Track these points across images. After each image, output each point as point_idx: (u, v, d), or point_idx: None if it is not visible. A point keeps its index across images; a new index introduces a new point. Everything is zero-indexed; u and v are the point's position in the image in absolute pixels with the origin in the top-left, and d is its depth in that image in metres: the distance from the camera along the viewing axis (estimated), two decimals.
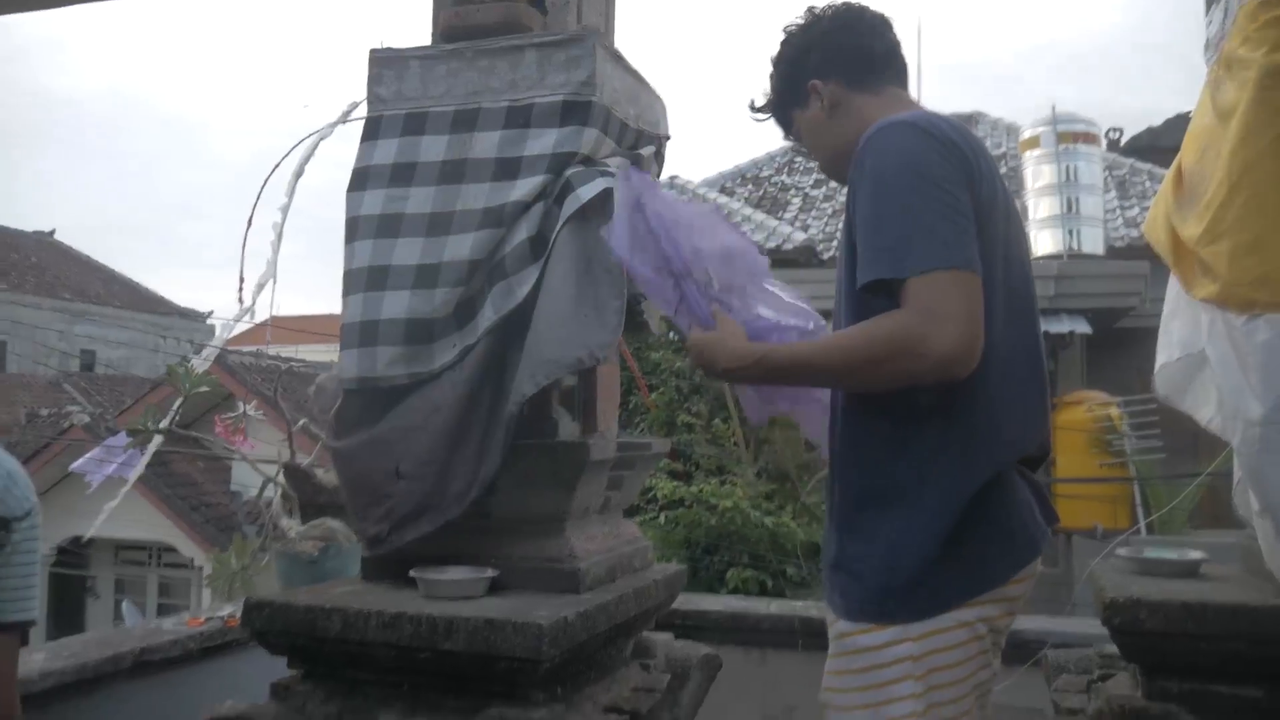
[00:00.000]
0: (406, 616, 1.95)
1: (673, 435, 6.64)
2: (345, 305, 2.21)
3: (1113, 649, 2.40)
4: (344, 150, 2.45)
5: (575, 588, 2.12)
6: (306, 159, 4.72)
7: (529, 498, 2.19)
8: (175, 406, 3.08)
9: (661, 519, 5.93)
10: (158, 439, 3.48)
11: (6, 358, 23.06)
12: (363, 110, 2.40)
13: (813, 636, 3.21)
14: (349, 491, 2.18)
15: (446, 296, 2.11)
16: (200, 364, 3.53)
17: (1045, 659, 2.61)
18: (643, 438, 4.73)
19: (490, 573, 2.11)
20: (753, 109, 1.95)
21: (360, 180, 2.27)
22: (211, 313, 25.43)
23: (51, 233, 26.72)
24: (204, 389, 3.12)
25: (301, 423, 3.48)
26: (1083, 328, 8.48)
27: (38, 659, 2.37)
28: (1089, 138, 9.65)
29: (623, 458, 2.39)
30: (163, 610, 16.14)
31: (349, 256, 2.23)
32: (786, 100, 1.89)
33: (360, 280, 2.18)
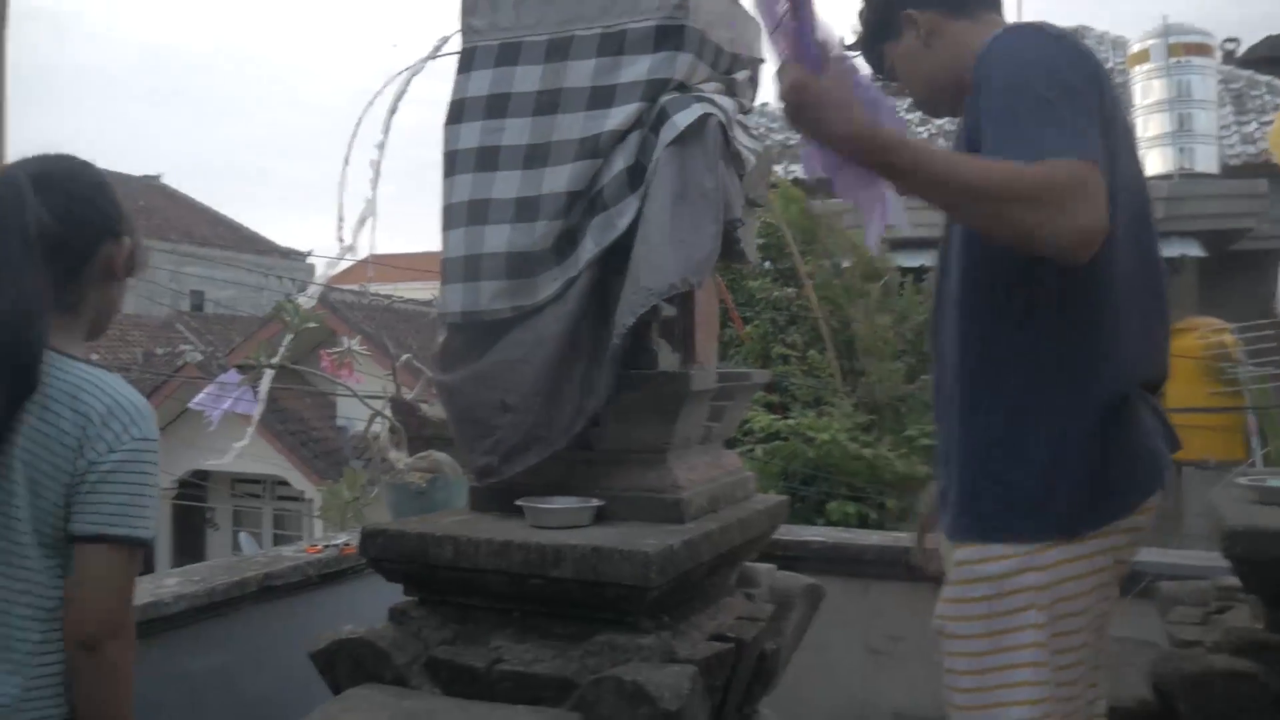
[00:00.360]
0: (515, 545, 1.99)
1: (768, 368, 6.61)
2: (446, 240, 2.23)
3: (1231, 581, 2.34)
4: (433, 89, 2.46)
5: (679, 518, 2.14)
6: (399, 95, 4.75)
7: (631, 429, 2.21)
8: (285, 343, 3.16)
9: (758, 452, 5.93)
10: (269, 374, 3.59)
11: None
12: (453, 45, 2.40)
13: (917, 567, 3.18)
14: (457, 424, 2.22)
15: (546, 229, 2.11)
16: (306, 301, 3.62)
17: (1159, 591, 2.55)
18: (740, 369, 4.71)
19: (595, 503, 2.14)
20: (843, 47, 1.88)
21: (457, 113, 2.28)
22: (311, 252, 26.02)
23: (159, 177, 27.57)
24: (312, 325, 3.20)
25: (405, 358, 3.55)
26: (1195, 251, 8.14)
27: (170, 583, 2.49)
28: (1202, 49, 9.16)
29: (723, 388, 2.38)
30: (278, 541, 16.84)
31: (448, 191, 2.24)
32: (879, 33, 1.81)
33: (461, 214, 2.19)
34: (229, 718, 1.83)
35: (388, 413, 3.38)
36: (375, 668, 2.05)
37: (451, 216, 2.21)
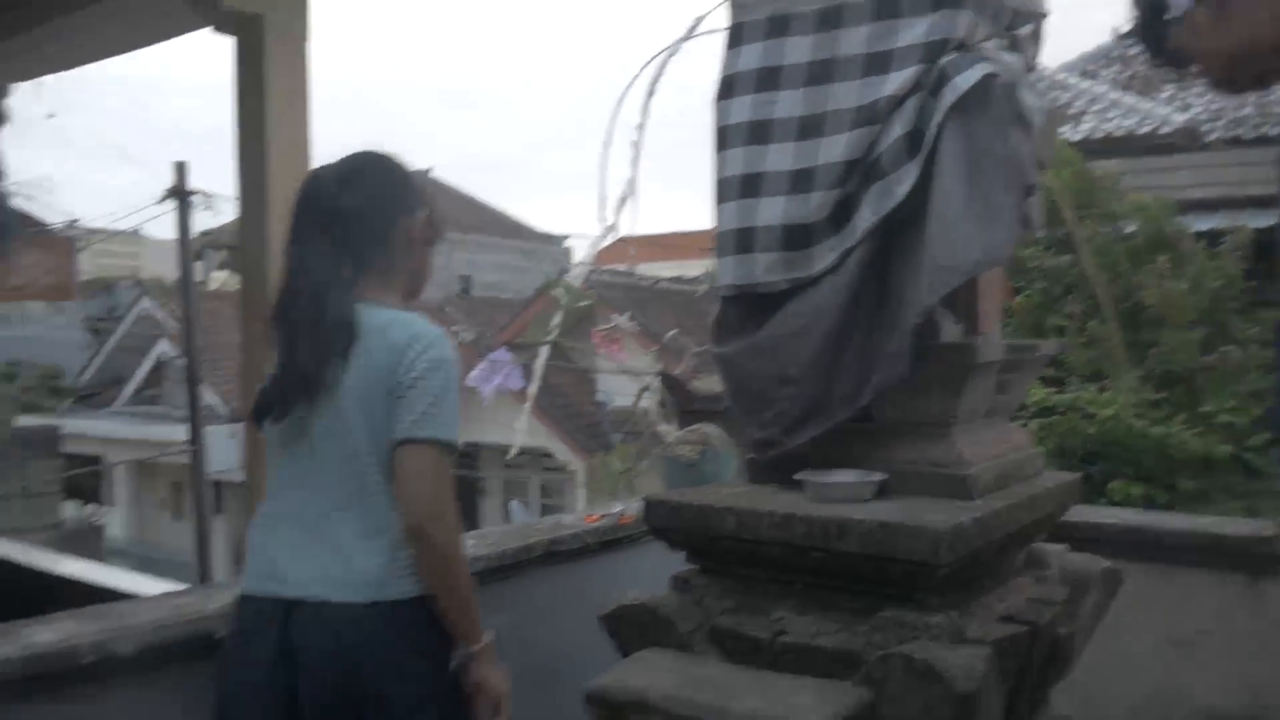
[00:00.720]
0: (798, 517, 1.98)
1: (1040, 339, 6.25)
2: (719, 213, 2.24)
3: None
4: (685, 73, 2.50)
5: (965, 493, 2.06)
6: (657, 78, 4.80)
7: (914, 401, 2.14)
8: (555, 322, 3.29)
9: (1032, 427, 5.64)
10: (544, 351, 3.75)
11: None
12: (707, 25, 2.40)
13: (1227, 555, 2.93)
14: (735, 397, 2.24)
15: (823, 199, 2.07)
16: (574, 281, 3.76)
17: None
18: (1023, 340, 4.48)
19: (878, 476, 2.10)
20: (1120, 36, 1.70)
21: (727, 88, 2.27)
22: (568, 235, 27.01)
23: (429, 171, 29.40)
24: (583, 304, 3.32)
25: (672, 333, 3.61)
26: None
27: (467, 544, 2.66)
28: None
29: (1009, 360, 2.27)
30: (545, 510, 17.71)
31: (720, 165, 2.25)
32: (1160, 5, 1.64)
33: (734, 188, 2.19)
34: (521, 671, 1.97)
35: (657, 387, 3.45)
36: (659, 633, 2.11)
37: (724, 190, 2.22)
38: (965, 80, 2.00)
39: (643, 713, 1.90)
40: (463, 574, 1.86)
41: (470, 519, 17.82)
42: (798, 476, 2.13)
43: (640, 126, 5.26)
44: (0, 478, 5.88)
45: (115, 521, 18.56)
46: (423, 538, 1.81)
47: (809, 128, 2.13)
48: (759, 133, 2.19)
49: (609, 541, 2.98)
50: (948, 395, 2.13)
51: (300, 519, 1.88)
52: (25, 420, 10.26)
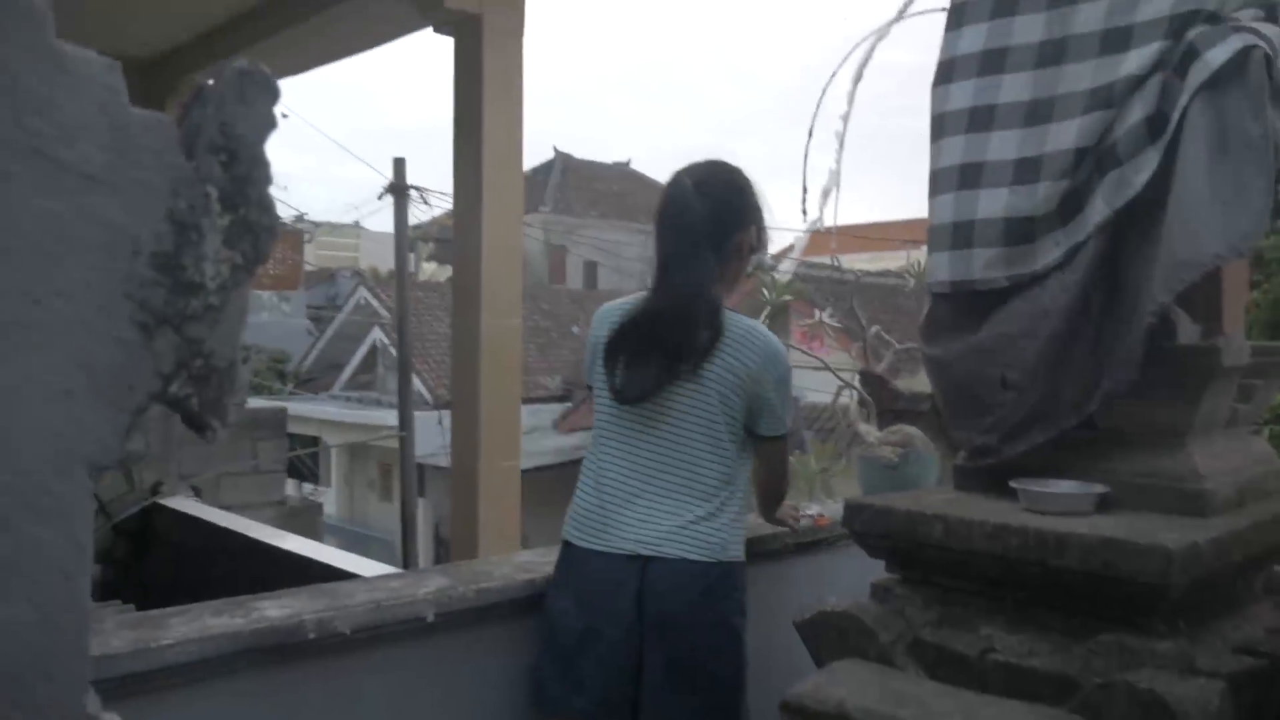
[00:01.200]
0: (1012, 529, 1.87)
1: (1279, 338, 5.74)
2: (933, 207, 2.14)
3: None
4: (883, 57, 2.46)
5: (1199, 510, 1.89)
6: (864, 63, 4.67)
7: (1143, 408, 1.99)
8: (763, 316, 3.24)
9: (1265, 435, 5.18)
10: None
11: (598, 276, 26.38)
12: (916, 7, 2.30)
13: None
14: (947, 400, 2.14)
15: (1049, 191, 1.94)
16: (781, 275, 3.71)
17: None
18: (1267, 342, 4.11)
19: (1099, 488, 1.96)
20: None
21: (945, 73, 2.17)
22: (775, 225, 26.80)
23: (628, 163, 29.87)
24: (788, 298, 3.26)
25: (875, 329, 3.51)
26: None
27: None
28: None
29: (1255, 364, 2.07)
30: None
31: (936, 155, 2.15)
32: None
33: (951, 179, 2.09)
34: None
35: (857, 384, 3.35)
36: (859, 643, 2.04)
37: (940, 182, 2.12)
38: (1218, 55, 1.82)
39: None
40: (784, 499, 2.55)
41: None
42: (1013, 484, 2.01)
43: (845, 116, 5.12)
44: (233, 455, 6.33)
45: (329, 500, 19.76)
46: (780, 494, 2.48)
47: (1036, 113, 2.00)
48: (981, 119, 2.08)
49: (805, 544, 2.91)
50: (1184, 402, 1.96)
51: (656, 489, 2.16)
52: (255, 402, 11.06)
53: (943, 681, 1.93)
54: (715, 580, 2.13)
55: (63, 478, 0.70)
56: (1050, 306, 1.93)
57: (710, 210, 2.15)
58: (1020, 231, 1.98)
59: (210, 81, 0.75)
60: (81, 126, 0.68)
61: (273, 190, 0.82)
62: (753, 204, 2.25)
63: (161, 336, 0.75)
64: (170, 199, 0.74)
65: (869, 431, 3.19)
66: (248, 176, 0.77)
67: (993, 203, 2.01)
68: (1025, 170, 1.98)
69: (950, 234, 2.08)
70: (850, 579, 2.54)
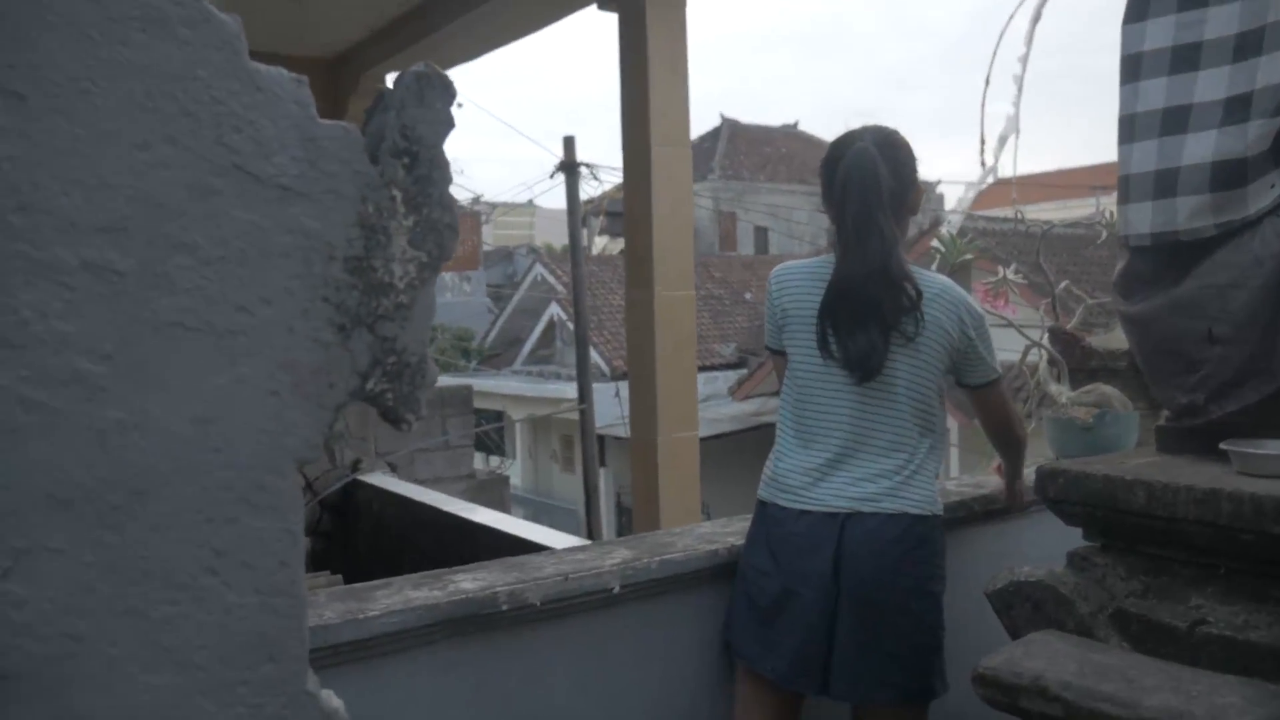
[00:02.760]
0: (1224, 494, 1.75)
1: None
2: (1129, 154, 2.01)
3: None
4: None
5: None
6: (1043, 1, 4.43)
7: None
8: (948, 272, 3.13)
9: None
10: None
11: (769, 241, 26.15)
12: None
13: None
14: (1149, 358, 2.02)
15: (1262, 129, 1.79)
16: (952, 228, 3.56)
17: None
18: None
19: None
20: None
21: (1139, 10, 2.02)
22: (940, 181, 25.93)
23: (795, 124, 29.41)
24: (968, 257, 3.13)
25: (1064, 284, 3.34)
26: None
27: None
28: None
29: None
30: None
31: (1130, 99, 2.01)
32: None
33: (1151, 124, 1.95)
34: None
35: (1046, 343, 3.21)
36: (1056, 614, 1.96)
37: (1137, 127, 1.98)
38: None
39: (1039, 699, 1.77)
40: (1024, 446, 2.59)
41: None
42: (1224, 446, 1.88)
43: (1024, 58, 4.90)
44: (425, 432, 6.62)
45: (514, 472, 20.45)
46: (1014, 438, 2.52)
47: (1246, 45, 1.84)
48: (1185, 59, 1.93)
49: (994, 511, 2.81)
50: None
51: (866, 448, 2.22)
52: (443, 380, 11.52)
53: (1149, 655, 1.84)
54: (914, 543, 2.15)
55: (275, 473, 0.75)
56: (1262, 253, 1.79)
57: (891, 171, 2.19)
58: (1230, 175, 1.84)
59: (390, 86, 0.78)
60: (276, 141, 0.72)
61: (452, 178, 0.85)
62: (916, 165, 2.32)
63: (357, 336, 0.79)
64: (359, 204, 0.77)
65: (1060, 392, 3.05)
66: (429, 177, 0.80)
67: (1200, 147, 1.87)
68: (1235, 109, 1.83)
69: (1152, 183, 1.95)
70: (1043, 547, 2.44)
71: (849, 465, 2.21)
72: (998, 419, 2.45)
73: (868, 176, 2.17)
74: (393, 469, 6.38)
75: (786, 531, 2.21)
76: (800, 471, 2.24)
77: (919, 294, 2.18)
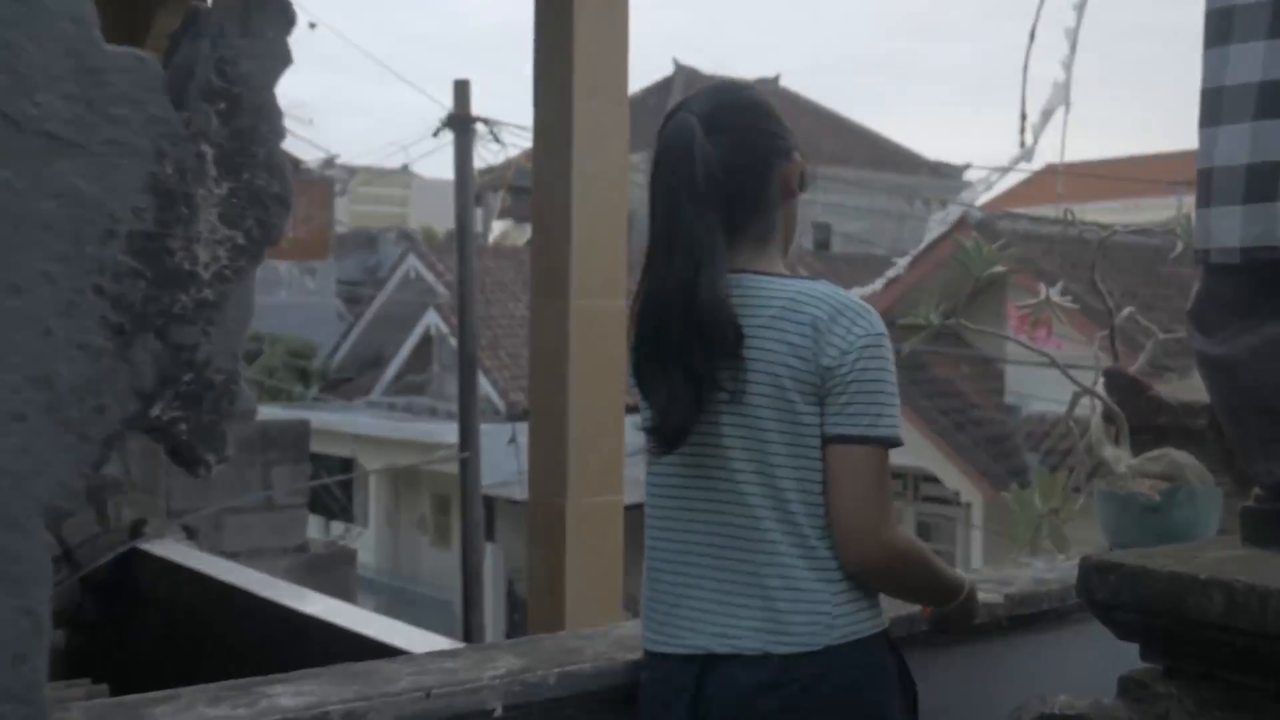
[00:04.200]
0: None
1: None
2: (1211, 141, 2.08)
3: None
4: None
5: None
6: None
7: None
8: (969, 290, 3.20)
9: None
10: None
11: None
12: None
13: None
14: (1234, 416, 2.09)
15: None
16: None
17: None
18: None
19: None
20: None
21: None
22: (969, 165, 26.48)
23: (775, 79, 29.81)
24: (999, 270, 3.20)
25: (1127, 311, 3.43)
26: None
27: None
28: None
29: None
30: None
31: (1216, 67, 2.09)
32: None
33: (1244, 102, 2.02)
34: None
35: (1101, 390, 3.29)
36: None
37: (1224, 106, 2.05)
38: None
39: None
40: (921, 572, 2.25)
41: None
42: None
43: (1080, 5, 5.05)
44: (239, 485, 6.53)
45: (365, 545, 20.26)
46: (864, 557, 2.12)
47: None
48: None
49: (1019, 617, 2.87)
50: None
51: (712, 554, 2.15)
52: (268, 411, 11.37)
53: None
54: (800, 689, 2.07)
55: (13, 529, 0.73)
56: None
57: (730, 150, 2.15)
58: None
59: (205, 3, 0.78)
60: (41, 71, 0.71)
61: (292, 130, 0.85)
62: (784, 125, 2.26)
63: (141, 343, 0.78)
64: (153, 162, 0.77)
65: (1118, 457, 3.13)
66: (253, 129, 0.80)
67: None
68: None
69: (1243, 181, 2.02)
70: (1088, 668, 2.49)
71: (699, 589, 2.16)
72: (852, 503, 2.11)
73: (680, 160, 2.12)
74: (190, 535, 6.29)
75: (647, 678, 2.23)
76: (649, 600, 2.24)
77: (737, 332, 2.08)
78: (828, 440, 2.10)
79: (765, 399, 2.10)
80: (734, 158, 2.15)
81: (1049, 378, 4.36)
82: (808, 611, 2.08)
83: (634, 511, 5.85)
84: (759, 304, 2.12)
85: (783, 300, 2.11)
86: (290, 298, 25.82)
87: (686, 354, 2.08)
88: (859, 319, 2.11)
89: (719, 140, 2.14)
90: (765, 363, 2.09)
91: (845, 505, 2.10)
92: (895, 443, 2.13)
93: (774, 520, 2.11)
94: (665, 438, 2.12)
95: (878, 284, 11.31)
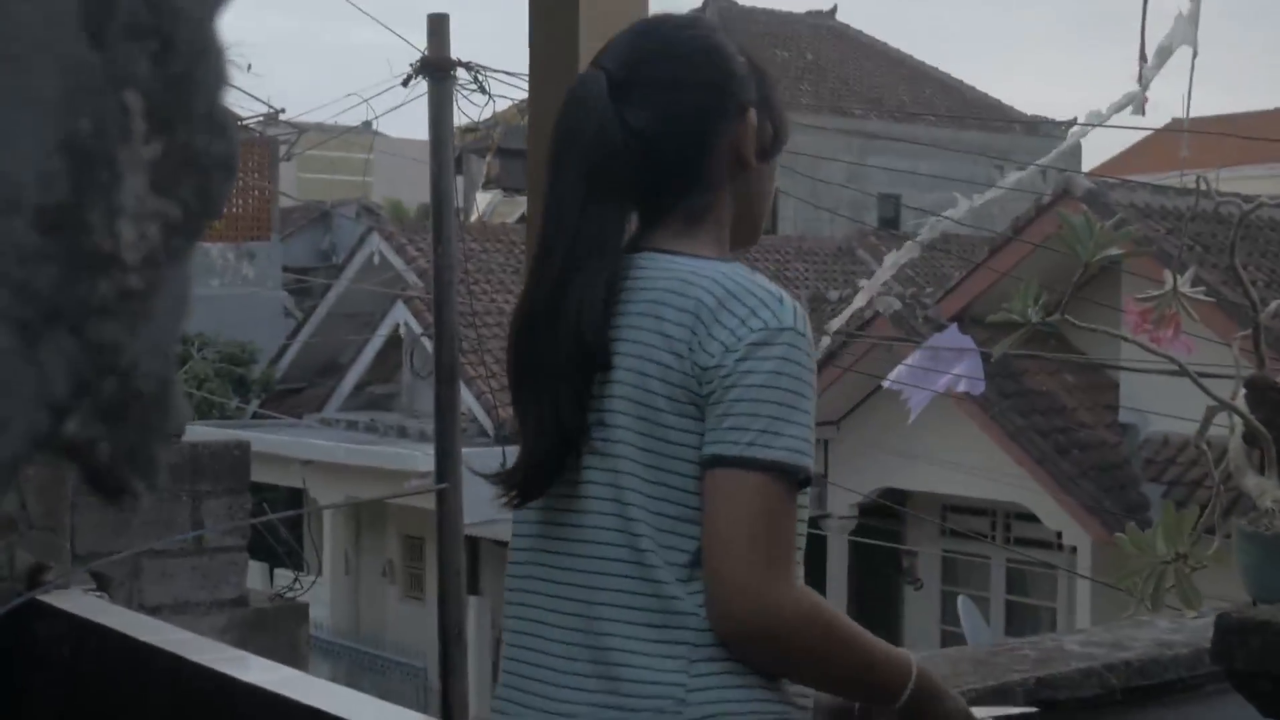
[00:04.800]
0: None
1: None
2: None
3: None
4: None
5: None
6: None
7: None
8: (1076, 279, 3.20)
9: None
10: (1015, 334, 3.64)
11: (778, 210, 26.41)
12: None
13: None
14: None
15: None
16: (1081, 199, 3.63)
17: None
18: None
19: None
20: None
21: None
22: (1074, 120, 26.42)
23: (832, 11, 29.85)
24: (1114, 253, 3.20)
25: (1275, 306, 3.43)
26: None
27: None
28: None
29: None
30: (1016, 612, 17.44)
31: None
32: None
33: None
34: None
35: (1241, 404, 3.29)
36: None
37: None
38: None
39: None
40: (826, 650, 2.01)
41: (886, 617, 17.88)
42: None
43: None
44: (161, 522, 6.54)
45: (320, 598, 20.28)
46: (736, 621, 1.96)
47: None
48: None
49: (1143, 689, 2.88)
50: None
51: (560, 616, 2.09)
52: (198, 429, 11.39)
53: None
54: None
55: None
56: None
57: (654, 114, 2.09)
58: None
59: None
60: None
61: (231, 81, 0.85)
62: (737, 76, 2.15)
63: (52, 342, 0.79)
64: (65, 116, 0.78)
65: (1264, 489, 3.13)
66: (189, 76, 0.81)
67: None
68: None
69: None
70: None
71: (545, 651, 2.11)
72: (730, 545, 1.97)
73: (574, 133, 2.10)
74: (102, 585, 6.32)
75: None
76: (504, 675, 2.21)
77: (601, 345, 2.02)
78: (702, 463, 1.98)
79: (627, 405, 2.03)
80: (659, 124, 2.09)
81: (1175, 389, 4.35)
82: (652, 682, 1.99)
83: None
84: (641, 287, 2.06)
85: (668, 282, 2.04)
86: (224, 288, 25.86)
87: (553, 380, 2.04)
88: (759, 309, 1.99)
89: (639, 100, 2.08)
90: (634, 358, 2.03)
91: (714, 550, 1.95)
92: (794, 471, 1.97)
93: (625, 565, 2.02)
94: (522, 489, 2.10)
95: (886, 270, 11.29)
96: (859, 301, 12.43)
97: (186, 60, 0.77)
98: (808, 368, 2.00)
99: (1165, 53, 5.62)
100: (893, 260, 11.52)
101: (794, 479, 1.98)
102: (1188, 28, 5.16)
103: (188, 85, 0.77)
